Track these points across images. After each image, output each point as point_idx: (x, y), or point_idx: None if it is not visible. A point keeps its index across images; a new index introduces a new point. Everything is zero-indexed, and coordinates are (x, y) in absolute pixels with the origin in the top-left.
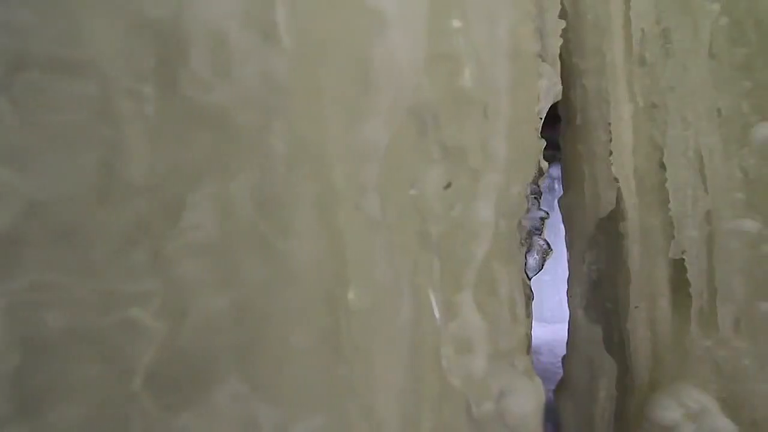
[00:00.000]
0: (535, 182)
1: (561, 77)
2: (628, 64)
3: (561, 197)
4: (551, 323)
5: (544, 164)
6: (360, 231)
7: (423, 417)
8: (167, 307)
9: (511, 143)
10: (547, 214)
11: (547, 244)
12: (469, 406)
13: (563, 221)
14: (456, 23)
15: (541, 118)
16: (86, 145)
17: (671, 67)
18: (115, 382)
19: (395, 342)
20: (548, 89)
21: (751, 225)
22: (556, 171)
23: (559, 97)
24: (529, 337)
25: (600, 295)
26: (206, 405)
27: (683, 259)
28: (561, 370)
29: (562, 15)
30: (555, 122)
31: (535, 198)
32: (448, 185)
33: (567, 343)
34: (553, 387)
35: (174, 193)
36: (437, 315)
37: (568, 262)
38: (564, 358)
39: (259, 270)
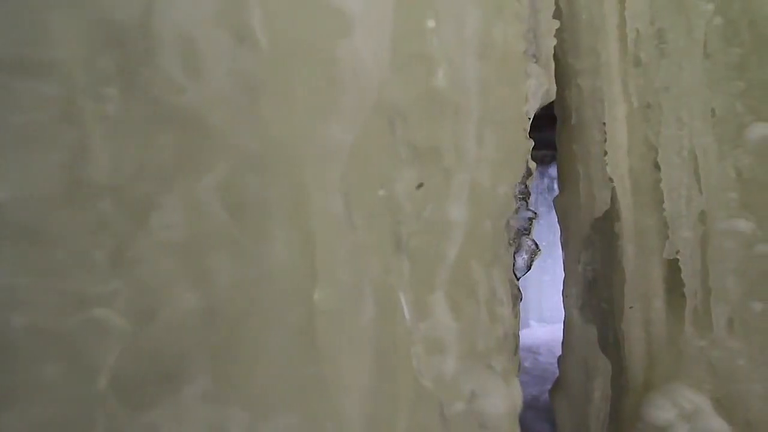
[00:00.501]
0: (524, 182)
1: (556, 77)
2: (622, 64)
3: (556, 197)
4: (551, 323)
5: (532, 164)
6: (328, 231)
7: (395, 417)
8: (133, 307)
9: (496, 143)
10: (535, 214)
11: (536, 244)
12: (445, 406)
13: (558, 221)
14: (430, 23)
15: (529, 119)
16: (50, 146)
17: (666, 67)
18: (79, 382)
19: (360, 342)
20: (537, 89)
21: (745, 225)
22: (555, 171)
23: (553, 98)
24: (516, 337)
25: (595, 295)
26: (174, 405)
27: (677, 260)
28: None
29: (557, 15)
30: (554, 123)
31: (523, 198)
32: (420, 185)
33: (562, 343)
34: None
35: (142, 194)
36: (407, 315)
37: (564, 262)
38: (560, 358)
39: (230, 270)
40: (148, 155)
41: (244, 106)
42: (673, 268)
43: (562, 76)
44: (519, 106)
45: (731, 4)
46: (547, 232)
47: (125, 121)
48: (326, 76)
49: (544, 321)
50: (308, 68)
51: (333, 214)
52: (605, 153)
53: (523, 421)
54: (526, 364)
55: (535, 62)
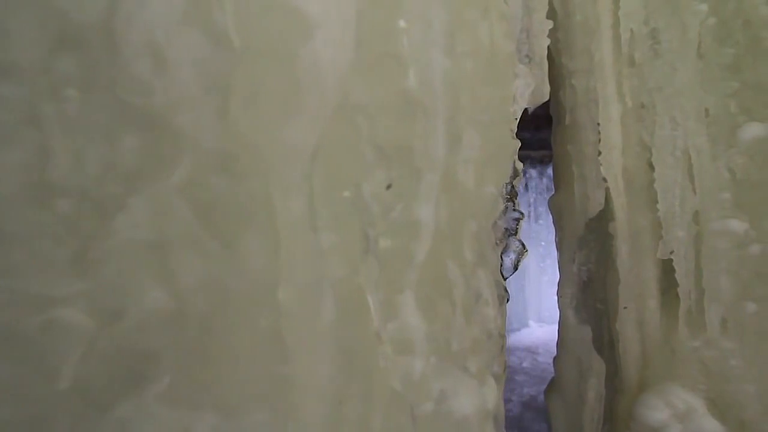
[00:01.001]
0: (511, 183)
1: (551, 78)
2: (617, 65)
3: (551, 197)
4: (550, 323)
5: (519, 165)
6: (291, 232)
7: (365, 417)
8: (98, 308)
9: (481, 143)
10: (522, 214)
11: (522, 245)
12: (413, 407)
13: (553, 222)
14: (400, 24)
15: (516, 119)
16: (11, 147)
17: (660, 67)
18: (40, 382)
19: (325, 342)
20: (524, 90)
21: (738, 225)
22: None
23: (547, 97)
24: (502, 337)
25: (590, 295)
26: (139, 405)
27: (672, 260)
28: None
29: (551, 15)
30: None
31: (510, 199)
32: (389, 186)
33: (557, 343)
34: None
35: (107, 194)
36: (375, 316)
37: (558, 262)
38: (555, 358)
39: (196, 270)
40: (114, 156)
41: (212, 106)
42: (667, 268)
43: (557, 76)
44: (506, 107)
45: (725, 4)
46: (547, 232)
47: (88, 122)
48: (287, 77)
49: (543, 321)
50: (272, 69)
51: (296, 215)
52: (599, 153)
53: (521, 421)
54: (525, 364)
55: (529, 62)
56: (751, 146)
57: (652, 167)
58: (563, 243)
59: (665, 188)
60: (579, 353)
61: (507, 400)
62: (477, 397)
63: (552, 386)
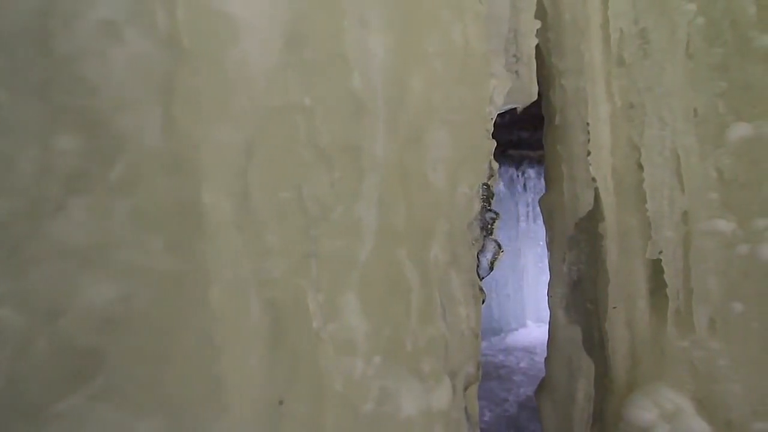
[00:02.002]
0: (486, 183)
1: (542, 78)
2: (606, 64)
3: (541, 197)
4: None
5: (495, 165)
6: (222, 231)
7: (305, 415)
8: (31, 307)
9: (453, 144)
10: (497, 214)
11: (498, 245)
12: (354, 407)
13: (544, 221)
14: (346, 24)
15: (492, 119)
16: None
17: (649, 67)
18: None
19: (255, 342)
20: (501, 90)
21: (725, 225)
22: None
23: (534, 98)
24: (477, 338)
25: (580, 295)
26: (76, 405)
27: (660, 260)
28: None
29: (542, 15)
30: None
31: (486, 199)
32: (331, 187)
33: (548, 343)
34: None
35: (43, 195)
36: (315, 316)
37: (549, 262)
38: (546, 358)
39: (131, 271)
40: (51, 157)
41: (153, 107)
42: (656, 268)
43: (547, 76)
44: (480, 107)
45: (714, 4)
46: (543, 232)
47: (18, 123)
48: (217, 78)
49: (542, 321)
50: (205, 70)
51: (227, 214)
52: (589, 153)
53: (518, 421)
54: (523, 364)
55: (516, 62)
56: (739, 146)
57: (641, 167)
58: (553, 243)
59: (654, 188)
60: (569, 353)
61: (504, 400)
62: (422, 398)
63: (542, 386)
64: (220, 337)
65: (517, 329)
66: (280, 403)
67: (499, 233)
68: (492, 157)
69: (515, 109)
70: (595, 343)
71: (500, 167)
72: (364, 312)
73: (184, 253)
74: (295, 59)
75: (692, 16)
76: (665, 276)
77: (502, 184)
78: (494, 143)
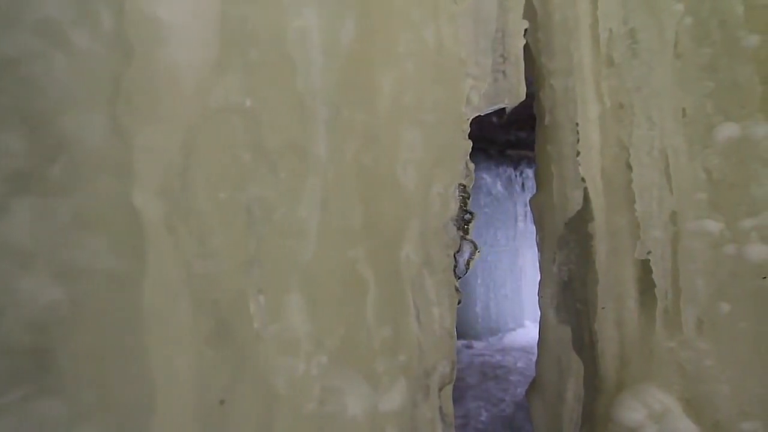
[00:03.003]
0: (462, 184)
1: (533, 78)
2: (595, 65)
3: (532, 197)
4: None
5: (471, 166)
6: (153, 233)
7: (247, 416)
8: None
9: (425, 144)
10: (473, 215)
11: (474, 245)
12: (297, 406)
13: (534, 222)
14: (298, 23)
15: (468, 119)
16: None
17: (637, 67)
18: None
19: (185, 343)
20: (477, 90)
21: (713, 226)
22: None
23: (522, 98)
24: (452, 338)
25: (571, 295)
26: (9, 404)
27: (649, 260)
28: None
29: (532, 15)
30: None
31: (462, 199)
32: (274, 188)
33: (538, 343)
34: None
35: None
36: (257, 317)
37: (539, 262)
38: (536, 358)
39: (77, 272)
40: None
41: (96, 107)
42: (645, 268)
43: (538, 76)
44: (455, 108)
45: (701, 4)
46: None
47: None
48: (149, 79)
49: None
50: (138, 72)
51: (157, 216)
52: (578, 153)
53: (514, 421)
54: (520, 364)
55: (503, 62)
56: (727, 146)
57: (630, 167)
58: (544, 243)
59: (642, 188)
60: (558, 353)
61: (500, 400)
62: (369, 399)
63: (533, 386)
64: (153, 337)
65: (515, 329)
66: (221, 403)
67: (497, 233)
68: (468, 157)
69: (511, 109)
70: (585, 344)
71: (498, 167)
72: (309, 313)
73: (125, 253)
74: (236, 61)
75: (680, 16)
76: (654, 276)
77: (500, 184)
78: (470, 143)
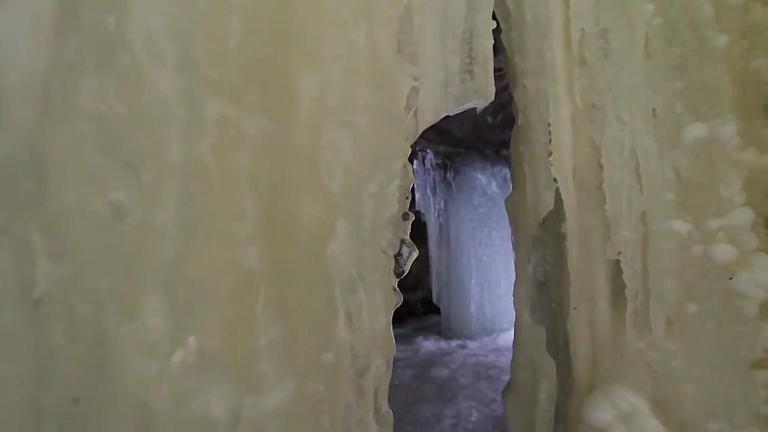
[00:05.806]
0: (401, 185)
1: (509, 78)
2: (567, 65)
3: (507, 197)
4: None
5: (409, 167)
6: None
7: (101, 415)
8: None
9: (355, 146)
10: (408, 215)
11: (413, 246)
12: (150, 405)
13: (509, 222)
14: (131, 28)
15: (403, 120)
16: None
17: (609, 67)
18: None
19: (18, 344)
20: (414, 92)
21: (680, 226)
22: None
23: (491, 98)
24: (386, 340)
25: (546, 295)
26: None
27: (620, 260)
28: None
29: (506, 15)
30: None
31: (402, 200)
32: (130, 191)
33: (513, 344)
34: None
35: None
36: (116, 317)
37: (515, 262)
38: (511, 359)
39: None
40: None
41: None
42: (617, 269)
43: (512, 77)
44: (391, 109)
45: (671, 4)
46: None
47: None
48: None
49: None
50: None
51: (56, 225)
52: (550, 154)
53: (504, 421)
54: None
55: (471, 62)
56: (695, 146)
57: (602, 168)
58: (519, 243)
59: (613, 189)
60: (532, 354)
61: (492, 400)
62: (231, 400)
63: (508, 387)
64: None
65: (509, 329)
66: (75, 401)
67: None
68: (407, 159)
69: (510, 108)
70: (561, 344)
71: (493, 167)
72: (171, 313)
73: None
74: (97, 65)
75: (650, 16)
76: (624, 277)
77: (494, 184)
78: (409, 145)
